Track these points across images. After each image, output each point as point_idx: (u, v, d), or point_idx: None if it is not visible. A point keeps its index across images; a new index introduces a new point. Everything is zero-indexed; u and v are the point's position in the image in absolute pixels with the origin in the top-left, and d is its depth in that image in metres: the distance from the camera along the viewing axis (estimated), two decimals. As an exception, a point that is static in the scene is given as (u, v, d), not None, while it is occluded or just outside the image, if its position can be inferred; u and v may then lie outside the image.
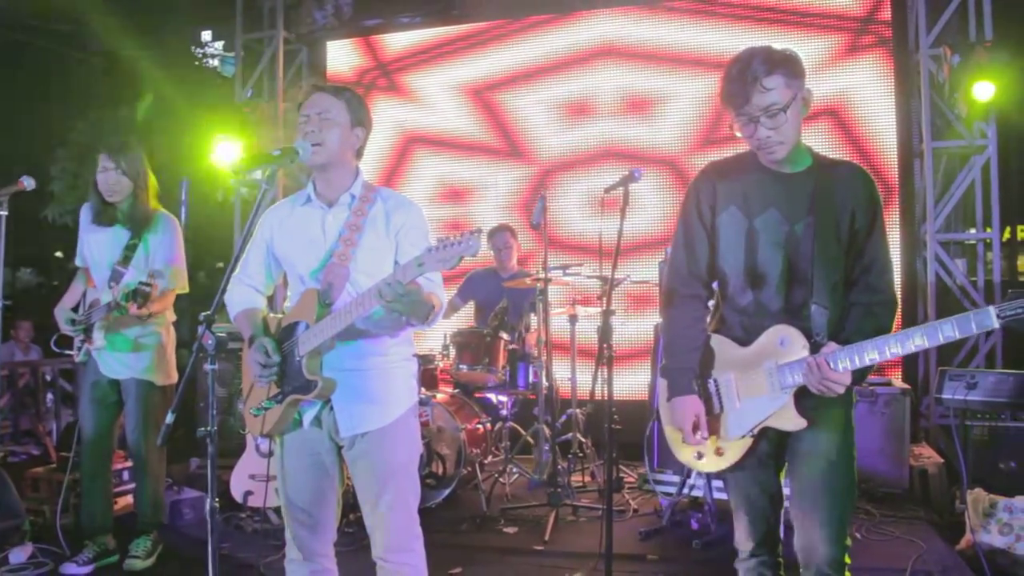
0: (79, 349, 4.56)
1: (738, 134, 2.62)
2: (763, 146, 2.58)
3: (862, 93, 6.90)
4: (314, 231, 2.88)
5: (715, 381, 2.74)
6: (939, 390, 4.97)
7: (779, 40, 2.64)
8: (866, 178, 2.68)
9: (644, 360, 6.82)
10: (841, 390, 2.48)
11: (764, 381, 2.61)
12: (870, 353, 2.43)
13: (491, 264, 6.65)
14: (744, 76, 2.51)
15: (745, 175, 2.71)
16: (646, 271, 6.85)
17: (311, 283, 2.84)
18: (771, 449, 2.70)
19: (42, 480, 5.34)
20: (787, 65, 2.53)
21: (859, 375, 2.50)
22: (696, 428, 2.67)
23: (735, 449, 2.68)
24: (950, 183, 6.88)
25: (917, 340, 2.36)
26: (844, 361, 2.46)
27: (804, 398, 2.57)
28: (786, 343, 2.59)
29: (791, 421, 2.58)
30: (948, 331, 2.31)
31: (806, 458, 2.65)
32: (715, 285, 2.86)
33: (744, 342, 2.69)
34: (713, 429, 2.70)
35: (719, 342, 2.76)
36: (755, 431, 2.64)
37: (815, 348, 2.54)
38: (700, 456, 2.76)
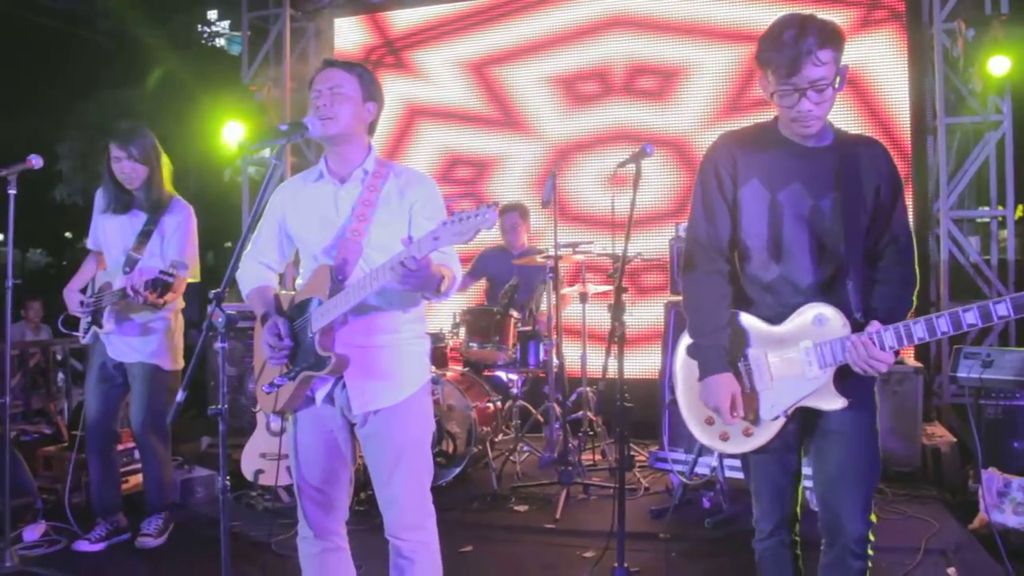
0: (86, 331, 4.56)
1: (775, 101, 2.54)
2: (801, 119, 2.52)
3: (874, 68, 6.82)
4: (327, 208, 2.85)
5: (745, 360, 2.67)
6: (954, 368, 4.93)
7: (791, 12, 2.57)
8: (887, 153, 2.64)
9: (655, 340, 6.79)
10: (885, 368, 2.45)
11: (800, 360, 2.57)
12: (919, 332, 2.40)
13: (500, 243, 6.63)
14: (799, 45, 2.41)
15: (766, 148, 2.65)
16: (658, 247, 6.79)
17: (324, 260, 2.82)
18: (798, 429, 2.67)
19: (54, 459, 5.36)
20: (838, 39, 2.47)
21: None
22: (733, 407, 2.61)
23: (767, 430, 2.63)
24: (964, 159, 6.82)
25: (970, 319, 2.33)
26: (891, 340, 2.42)
27: (837, 377, 2.54)
28: (824, 322, 2.54)
29: (832, 400, 2.54)
30: (1002, 310, 2.30)
31: (836, 436, 2.63)
32: None
33: (773, 320, 2.64)
34: (746, 409, 2.64)
35: (747, 320, 2.69)
36: (789, 411, 2.60)
37: (855, 326, 2.51)
38: (726, 437, 2.71)
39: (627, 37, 7.42)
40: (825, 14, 2.53)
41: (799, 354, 2.57)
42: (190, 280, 4.55)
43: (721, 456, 4.79)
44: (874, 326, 2.46)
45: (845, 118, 6.72)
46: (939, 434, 5.84)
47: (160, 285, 4.10)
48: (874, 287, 2.60)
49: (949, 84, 6.70)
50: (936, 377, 6.62)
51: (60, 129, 14.23)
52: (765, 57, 2.51)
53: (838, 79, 2.48)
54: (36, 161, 4.19)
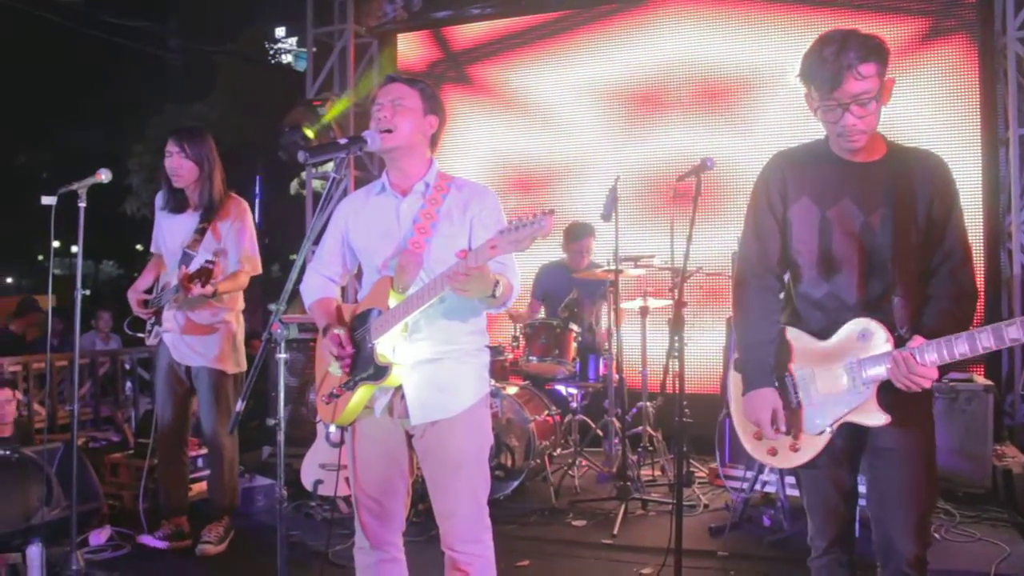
0: (150, 332, 4.65)
1: (820, 117, 2.54)
2: (845, 134, 2.50)
3: (944, 78, 6.67)
4: (388, 220, 2.88)
5: (791, 375, 2.66)
6: (1026, 386, 4.79)
7: (860, 24, 2.55)
8: (943, 165, 2.60)
9: (716, 353, 6.72)
10: (928, 384, 2.40)
11: (845, 375, 2.54)
12: (961, 348, 2.33)
13: (560, 259, 6.62)
14: (840, 60, 2.41)
15: (817, 165, 2.65)
16: (719, 262, 6.72)
17: (385, 272, 2.84)
18: (847, 445, 2.63)
19: (120, 466, 5.48)
20: (881, 53, 2.44)
21: (942, 369, 2.41)
22: (775, 422, 2.60)
23: (812, 445, 2.61)
24: (1037, 171, 6.62)
25: (1012, 333, 2.26)
26: (932, 355, 2.37)
27: (884, 393, 2.49)
28: (868, 337, 2.51)
29: (874, 416, 2.50)
30: None
31: (886, 454, 2.58)
32: (785, 277, 2.79)
33: (821, 336, 2.62)
34: (790, 424, 2.63)
35: (794, 335, 2.69)
36: (834, 427, 2.56)
37: (900, 342, 2.46)
38: (774, 452, 2.70)
39: (693, 50, 7.37)
40: (894, 24, 2.50)
41: (843, 369, 2.54)
42: (252, 274, 4.61)
43: (782, 473, 4.72)
44: (916, 341, 2.41)
45: (914, 128, 6.58)
46: (1011, 455, 5.66)
47: (202, 273, 4.17)
48: (927, 303, 2.56)
49: (1022, 93, 6.52)
50: (1008, 396, 6.42)
51: (131, 143, 14.62)
52: (808, 73, 2.51)
53: (882, 93, 2.46)
54: (105, 174, 4.29)
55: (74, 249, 4.22)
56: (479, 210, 2.86)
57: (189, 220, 4.58)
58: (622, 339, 5.68)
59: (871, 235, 2.56)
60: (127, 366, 7.78)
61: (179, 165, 4.51)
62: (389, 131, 2.78)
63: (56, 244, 4.62)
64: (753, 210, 2.77)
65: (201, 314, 4.56)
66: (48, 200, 4.19)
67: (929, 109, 6.66)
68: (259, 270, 4.67)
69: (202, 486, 5.23)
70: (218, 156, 4.64)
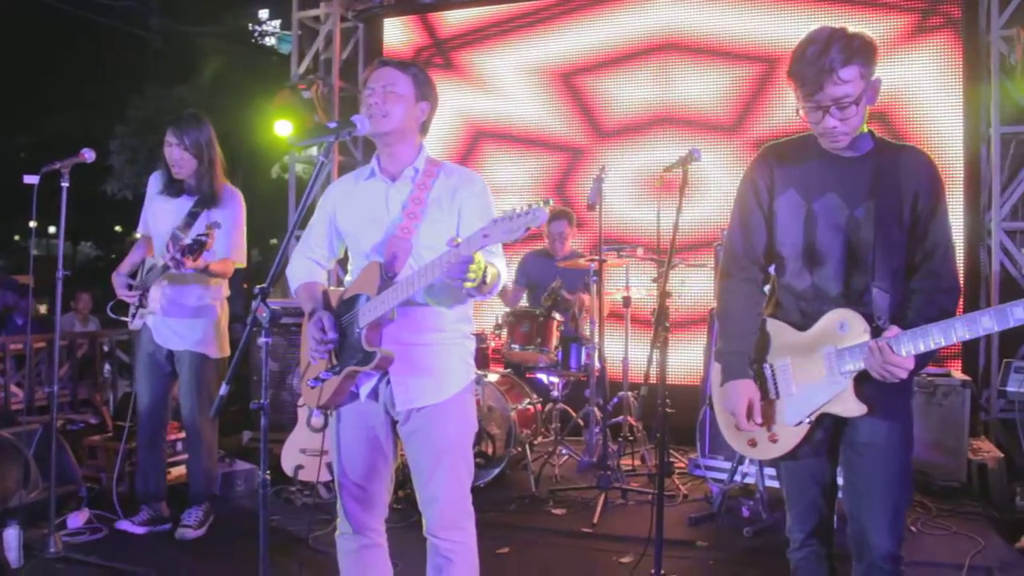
0: (133, 316, 4.62)
1: (801, 116, 2.55)
2: (827, 134, 2.53)
3: (928, 75, 6.71)
4: (377, 206, 2.86)
5: (771, 366, 2.68)
6: (1003, 382, 4.85)
7: (843, 20, 2.55)
8: (929, 162, 2.61)
9: (698, 344, 6.74)
10: (904, 375, 2.39)
11: (823, 366, 2.55)
12: (935, 337, 2.33)
13: (543, 244, 6.62)
14: (820, 62, 2.41)
15: (804, 159, 2.66)
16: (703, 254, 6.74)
17: (374, 257, 2.82)
18: (826, 437, 2.65)
19: (99, 448, 5.45)
20: (865, 54, 2.44)
21: (921, 361, 2.41)
22: (750, 413, 2.62)
23: (790, 436, 2.62)
24: (1018, 170, 6.66)
25: (986, 323, 2.25)
26: (908, 345, 2.37)
27: (863, 385, 2.50)
28: (846, 327, 2.52)
29: (851, 407, 2.51)
30: (1019, 314, 2.21)
31: (863, 448, 2.60)
32: (771, 269, 2.81)
33: (801, 327, 2.64)
34: (768, 415, 2.64)
35: (775, 326, 2.71)
36: (812, 418, 2.58)
37: (877, 332, 2.47)
38: (753, 443, 2.71)
39: (685, 35, 7.36)
40: (878, 20, 2.49)
41: (822, 359, 2.56)
42: (237, 264, 4.59)
43: (761, 465, 4.75)
44: (892, 331, 2.41)
45: (897, 125, 6.62)
46: (986, 449, 5.72)
47: (196, 245, 4.14)
48: (910, 297, 2.57)
49: (1005, 92, 6.56)
50: (984, 391, 6.49)
51: (112, 124, 14.49)
52: (793, 71, 2.52)
53: (864, 94, 2.46)
54: (88, 155, 4.26)
55: (52, 229, 4.19)
56: (467, 197, 2.85)
57: (183, 204, 4.54)
58: (604, 328, 5.69)
59: (855, 228, 2.57)
60: (105, 348, 7.71)
61: (179, 156, 4.48)
62: (382, 117, 2.77)
63: (33, 224, 4.58)
64: (740, 202, 2.78)
65: (187, 297, 4.53)
66: (31, 179, 4.16)
67: (912, 105, 6.70)
68: (244, 262, 4.65)
69: (181, 470, 5.21)
70: (217, 143, 4.60)
